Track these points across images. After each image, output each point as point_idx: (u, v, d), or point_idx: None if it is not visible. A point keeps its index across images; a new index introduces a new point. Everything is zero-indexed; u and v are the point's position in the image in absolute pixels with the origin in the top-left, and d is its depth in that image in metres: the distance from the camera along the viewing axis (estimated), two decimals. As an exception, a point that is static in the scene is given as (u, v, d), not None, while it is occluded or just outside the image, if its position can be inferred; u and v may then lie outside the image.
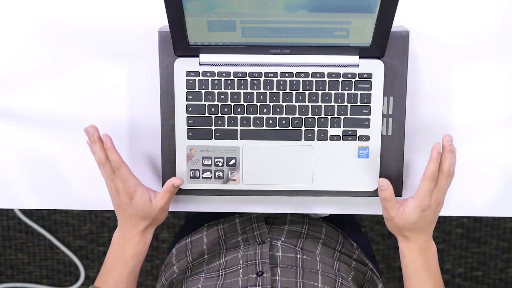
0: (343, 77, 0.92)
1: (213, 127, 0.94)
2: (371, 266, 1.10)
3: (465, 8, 0.96)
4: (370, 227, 2.07)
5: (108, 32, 0.98)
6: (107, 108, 1.00)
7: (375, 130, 0.94)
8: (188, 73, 0.93)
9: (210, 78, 0.92)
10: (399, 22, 0.96)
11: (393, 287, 2.13)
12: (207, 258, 1.05)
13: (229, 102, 0.93)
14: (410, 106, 0.98)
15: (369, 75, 0.92)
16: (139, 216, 0.93)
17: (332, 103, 0.93)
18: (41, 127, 1.01)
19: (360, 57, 0.91)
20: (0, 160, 1.03)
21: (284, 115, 0.93)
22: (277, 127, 0.94)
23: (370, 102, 0.93)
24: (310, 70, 0.92)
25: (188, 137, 0.94)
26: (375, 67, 0.92)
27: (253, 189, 0.96)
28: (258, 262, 0.97)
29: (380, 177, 0.95)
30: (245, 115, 0.93)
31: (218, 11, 0.84)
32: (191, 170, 0.95)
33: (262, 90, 0.93)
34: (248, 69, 0.92)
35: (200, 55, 0.91)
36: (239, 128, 0.94)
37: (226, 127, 0.94)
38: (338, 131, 0.94)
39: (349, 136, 0.94)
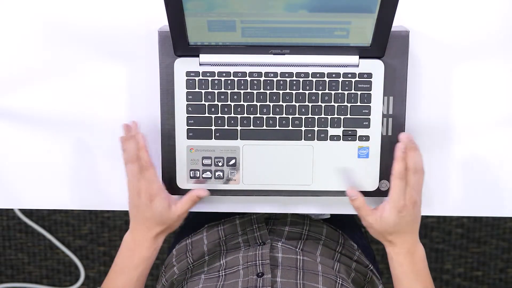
0: (343, 77, 0.92)
1: (213, 127, 0.94)
2: (371, 268, 1.10)
3: (465, 8, 0.96)
4: (370, 227, 2.07)
5: (108, 32, 0.98)
6: (107, 108, 1.00)
7: (375, 130, 0.94)
8: (188, 73, 0.93)
9: (210, 78, 0.92)
10: (399, 22, 0.96)
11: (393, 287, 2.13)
12: (208, 259, 1.05)
13: (229, 102, 0.93)
14: (410, 106, 0.98)
15: (369, 75, 0.92)
16: (155, 220, 0.92)
17: (332, 103, 0.93)
18: (41, 127, 1.01)
19: (360, 57, 0.91)
20: (0, 160, 1.03)
21: (284, 115, 0.93)
22: (277, 127, 0.94)
23: (370, 102, 0.93)
24: (310, 70, 0.92)
25: (188, 137, 0.94)
26: (375, 67, 0.92)
27: (253, 189, 0.96)
28: (259, 263, 0.97)
29: (380, 177, 0.95)
30: (245, 115, 0.93)
31: (218, 11, 0.84)
32: (191, 170, 0.95)
33: (262, 90, 0.93)
34: (248, 69, 0.92)
35: (200, 55, 0.91)
36: (239, 128, 0.94)
37: (226, 127, 0.94)
38: (338, 131, 0.94)
39: (349, 136, 0.94)
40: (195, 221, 1.18)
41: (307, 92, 0.93)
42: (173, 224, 0.94)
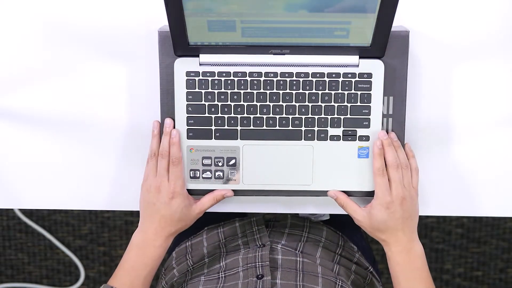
0: (343, 77, 0.92)
1: (213, 127, 0.94)
2: (371, 269, 1.10)
3: (465, 8, 0.96)
4: (370, 227, 2.07)
5: (108, 32, 0.98)
6: (107, 108, 1.00)
7: (375, 130, 0.94)
8: (188, 73, 0.93)
9: (210, 78, 0.92)
10: (399, 22, 0.96)
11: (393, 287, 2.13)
12: (207, 261, 1.05)
13: (229, 102, 0.93)
14: (410, 106, 0.98)
15: (369, 75, 0.92)
16: (173, 218, 0.92)
17: (332, 103, 0.93)
18: (41, 127, 1.01)
19: (360, 57, 0.91)
20: (0, 160, 1.03)
21: (284, 115, 0.93)
22: (277, 127, 0.94)
23: (370, 102, 0.93)
24: (310, 70, 0.92)
25: (188, 137, 0.94)
26: (375, 67, 0.92)
27: (253, 189, 0.96)
28: (258, 265, 0.97)
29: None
30: (245, 115, 0.93)
31: (218, 11, 0.84)
32: (191, 170, 0.95)
33: (262, 90, 0.93)
34: (248, 69, 0.92)
35: (200, 55, 0.91)
36: (239, 128, 0.94)
37: (226, 127, 0.94)
38: (338, 131, 0.94)
39: (349, 136, 0.94)
40: (195, 224, 1.17)
41: (307, 92, 0.93)
42: (188, 224, 0.95)
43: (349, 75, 0.92)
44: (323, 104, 0.93)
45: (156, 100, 0.98)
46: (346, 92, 0.93)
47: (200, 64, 0.92)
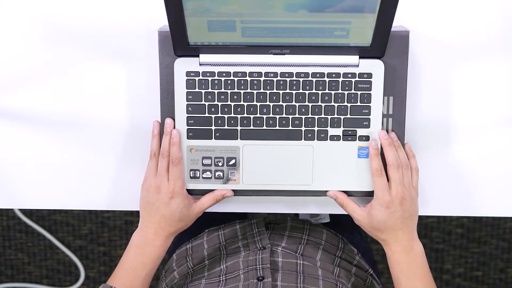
0: (343, 77, 0.92)
1: (213, 127, 0.94)
2: (371, 272, 1.10)
3: (465, 8, 0.96)
4: (370, 227, 2.07)
5: (108, 32, 0.98)
6: (107, 108, 1.00)
7: (375, 130, 0.94)
8: (188, 73, 0.93)
9: (210, 78, 0.92)
10: (399, 22, 0.96)
11: (393, 287, 2.13)
12: (208, 263, 1.05)
13: (229, 102, 0.93)
14: (410, 106, 0.98)
15: (369, 75, 0.92)
16: (172, 218, 0.93)
17: (332, 103, 0.93)
18: (41, 127, 1.01)
19: (360, 57, 0.91)
20: (0, 160, 1.03)
21: (284, 115, 0.93)
22: (277, 127, 0.94)
23: (370, 102, 0.93)
24: (310, 70, 0.92)
25: (188, 137, 0.94)
26: (375, 67, 0.92)
27: (253, 189, 0.96)
28: (259, 267, 0.97)
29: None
30: (245, 115, 0.93)
31: (218, 11, 0.84)
32: (191, 170, 0.95)
33: (262, 90, 0.93)
34: (248, 69, 0.92)
35: (200, 55, 0.91)
36: (239, 128, 0.94)
37: (226, 127, 0.94)
38: (338, 131, 0.94)
39: (349, 136, 0.94)
40: (195, 226, 1.17)
41: (307, 92, 0.93)
42: (188, 223, 0.95)
43: (349, 75, 0.92)
44: (323, 104, 0.93)
45: (156, 100, 0.98)
46: (346, 92, 0.93)
47: (200, 64, 0.92)
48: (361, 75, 0.92)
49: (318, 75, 0.92)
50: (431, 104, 0.99)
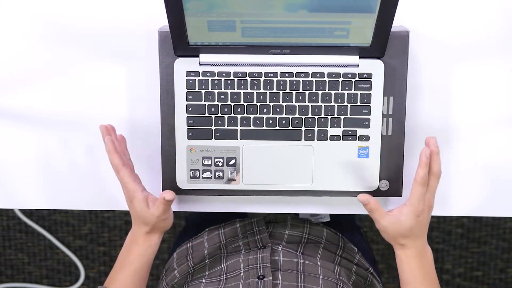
0: (343, 77, 0.92)
1: (213, 127, 0.94)
2: (371, 271, 1.10)
3: (465, 8, 0.96)
4: (370, 227, 2.07)
5: (108, 32, 0.98)
6: (107, 108, 1.00)
7: (375, 130, 0.94)
8: (188, 73, 0.93)
9: (210, 78, 0.92)
10: (399, 22, 0.96)
11: (393, 287, 2.13)
12: (208, 262, 1.05)
13: (229, 102, 0.93)
14: (410, 106, 0.98)
15: (369, 75, 0.92)
16: (139, 220, 0.94)
17: (332, 103, 0.93)
18: (41, 127, 1.01)
19: (360, 57, 0.91)
20: (0, 160, 1.03)
21: (284, 115, 0.93)
22: (277, 127, 0.94)
23: (370, 102, 0.93)
24: (310, 70, 0.92)
25: (188, 137, 0.94)
26: (375, 67, 0.92)
27: (253, 189, 0.96)
28: (260, 266, 0.97)
29: (380, 177, 0.96)
30: (245, 115, 0.93)
31: (218, 11, 0.84)
32: (191, 170, 0.95)
33: (262, 90, 0.93)
34: (248, 69, 0.92)
35: (200, 55, 0.91)
36: (239, 128, 0.94)
37: (226, 127, 0.94)
38: (338, 131, 0.94)
39: (349, 136, 0.94)
40: (196, 225, 1.18)
41: (307, 92, 0.93)
42: (157, 225, 0.93)
43: (349, 75, 0.92)
44: (323, 104, 0.93)
45: (156, 100, 0.98)
46: (346, 92, 0.93)
47: (200, 64, 0.92)
48: (361, 75, 0.92)
49: (318, 75, 0.92)
50: (431, 104, 0.99)
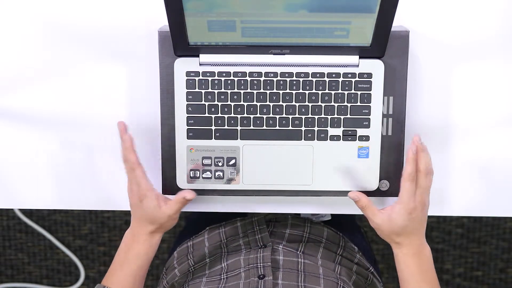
0: (343, 77, 0.92)
1: (213, 127, 0.94)
2: (372, 270, 1.10)
3: (465, 8, 0.96)
4: (370, 227, 2.07)
5: (108, 32, 0.98)
6: (107, 108, 1.00)
7: (375, 130, 0.94)
8: (188, 73, 0.93)
9: (210, 78, 0.92)
10: (399, 22, 0.96)
11: (393, 287, 2.13)
12: (209, 261, 1.05)
13: (229, 102, 0.93)
14: (410, 106, 0.98)
15: (369, 75, 0.92)
16: (146, 219, 0.93)
17: (332, 103, 0.93)
18: (41, 127, 1.01)
19: (360, 57, 0.91)
20: (0, 160, 1.03)
21: (284, 115, 0.93)
22: (277, 127, 0.94)
23: (370, 102, 0.93)
24: (310, 70, 0.92)
25: (188, 137, 0.94)
26: (375, 67, 0.92)
27: (253, 189, 0.96)
28: (260, 265, 0.97)
29: (380, 177, 0.96)
30: (245, 115, 0.93)
31: (218, 11, 0.84)
32: (191, 170, 0.95)
33: (262, 90, 0.93)
34: (248, 69, 0.92)
35: (200, 55, 0.91)
36: (239, 128, 0.94)
37: (226, 127, 0.94)
38: (338, 131, 0.94)
39: (349, 136, 0.94)
40: (196, 224, 1.18)
41: (307, 92, 0.93)
42: (165, 224, 0.94)
43: (349, 75, 0.92)
44: (323, 104, 0.93)
45: (156, 100, 0.98)
46: (346, 92, 0.93)
47: (200, 64, 0.92)
48: (361, 75, 0.92)
49: (318, 75, 0.92)
50: (431, 104, 0.99)
